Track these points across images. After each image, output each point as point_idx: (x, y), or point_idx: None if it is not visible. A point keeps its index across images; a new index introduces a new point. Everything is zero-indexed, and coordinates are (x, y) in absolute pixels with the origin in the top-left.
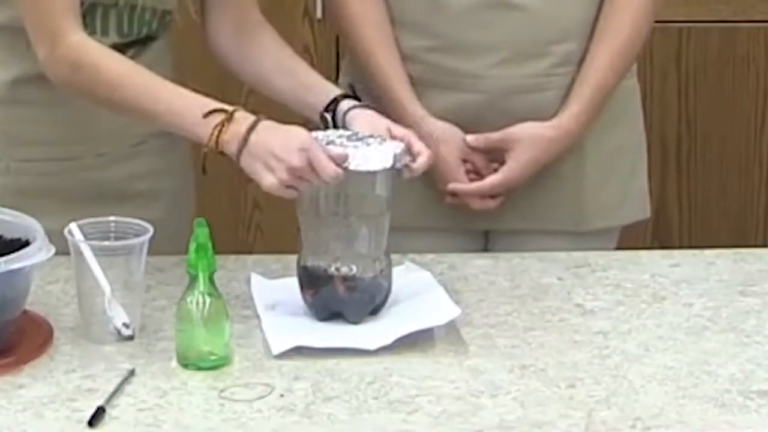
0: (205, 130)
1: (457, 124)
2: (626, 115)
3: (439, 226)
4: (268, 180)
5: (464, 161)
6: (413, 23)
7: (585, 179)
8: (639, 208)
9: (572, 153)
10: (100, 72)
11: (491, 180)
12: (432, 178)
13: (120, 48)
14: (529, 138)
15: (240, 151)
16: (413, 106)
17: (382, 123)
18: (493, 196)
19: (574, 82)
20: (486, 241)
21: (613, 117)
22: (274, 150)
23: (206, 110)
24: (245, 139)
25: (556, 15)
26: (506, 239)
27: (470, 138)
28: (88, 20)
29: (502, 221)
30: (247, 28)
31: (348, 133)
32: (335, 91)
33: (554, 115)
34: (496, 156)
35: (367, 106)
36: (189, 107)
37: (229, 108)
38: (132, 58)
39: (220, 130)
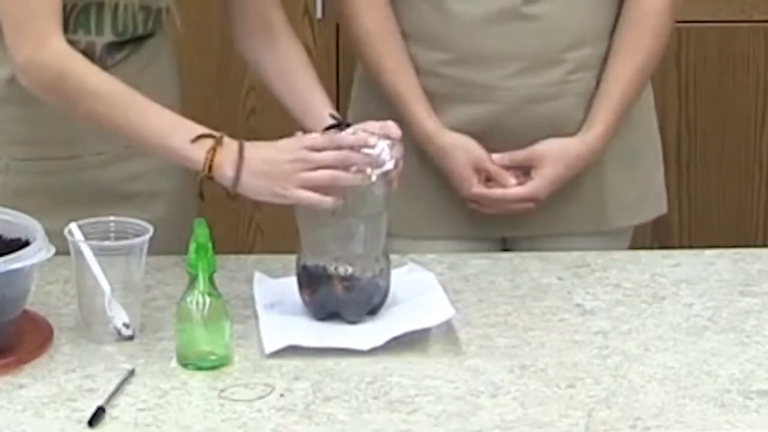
0: (196, 154)
1: (475, 136)
2: (643, 116)
3: (457, 234)
4: (292, 192)
5: (478, 172)
6: (427, 37)
7: (606, 179)
8: (658, 204)
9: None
10: (87, 84)
11: (516, 191)
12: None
13: (116, 46)
14: (556, 155)
15: (237, 177)
16: (425, 121)
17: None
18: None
19: (592, 90)
20: (504, 248)
21: (631, 118)
22: (278, 164)
23: (194, 134)
24: (238, 166)
25: (569, 23)
26: (525, 245)
27: (496, 157)
28: (83, 19)
29: (522, 228)
30: (267, 31)
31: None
32: (326, 109)
33: (572, 122)
34: (519, 172)
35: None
36: (178, 128)
37: (216, 133)
38: (129, 55)
39: (213, 155)
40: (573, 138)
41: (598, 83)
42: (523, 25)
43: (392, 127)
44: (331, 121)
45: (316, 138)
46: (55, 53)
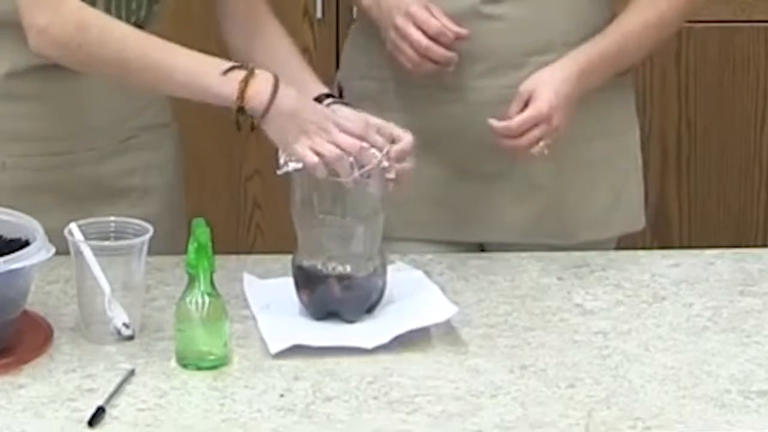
0: (229, 87)
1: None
2: (615, 127)
3: (433, 238)
4: (302, 147)
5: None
6: None
7: (567, 193)
8: (630, 219)
9: (553, 166)
10: (109, 30)
11: (519, 118)
12: (426, 180)
13: None
14: (542, 81)
15: (267, 109)
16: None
17: (360, 118)
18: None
19: None
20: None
21: (597, 129)
22: (307, 116)
23: (225, 67)
24: (271, 99)
25: (537, 26)
26: (502, 252)
27: (495, 124)
28: None
29: (492, 234)
30: (255, 23)
31: None
32: (320, 90)
33: None
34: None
35: (347, 104)
36: (208, 63)
37: (248, 65)
38: None
39: (246, 85)
40: (556, 63)
41: None
42: (485, 25)
43: (401, 133)
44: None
45: (350, 121)
46: (74, 7)
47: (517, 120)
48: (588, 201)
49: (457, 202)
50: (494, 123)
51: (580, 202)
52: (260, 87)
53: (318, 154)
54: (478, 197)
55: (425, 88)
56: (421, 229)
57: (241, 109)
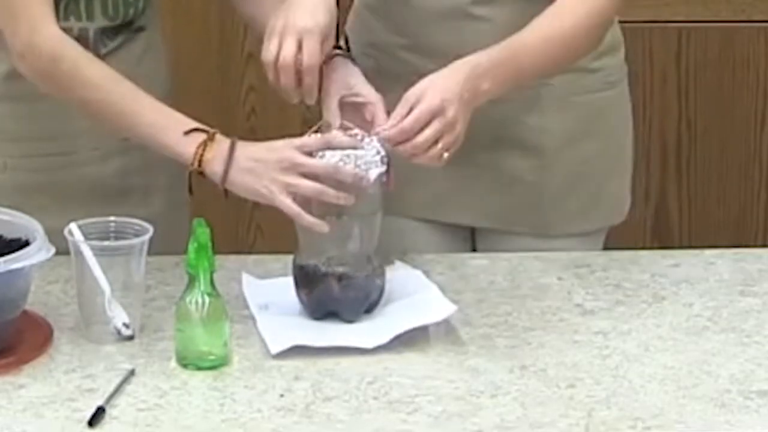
0: (187, 148)
1: None
2: (599, 129)
3: (416, 216)
4: (275, 195)
5: None
6: (388, 19)
7: (546, 189)
8: (609, 214)
9: (536, 163)
10: (80, 68)
11: (411, 116)
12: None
13: (109, 33)
14: (430, 84)
15: (226, 172)
16: None
17: (353, 81)
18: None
19: (540, 97)
20: (473, 239)
21: (580, 130)
22: (269, 159)
23: (187, 128)
24: (228, 163)
25: (518, 29)
26: (490, 238)
27: (385, 133)
28: (73, 6)
29: (475, 219)
30: None
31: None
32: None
33: (520, 126)
34: None
35: (351, 57)
36: (171, 120)
37: (209, 129)
38: (121, 45)
39: (204, 149)
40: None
41: (547, 90)
42: (472, 25)
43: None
44: (336, 51)
45: (306, 139)
46: (49, 37)
47: (410, 118)
48: (567, 197)
49: (441, 185)
50: (384, 132)
51: (559, 198)
52: (217, 153)
53: (294, 195)
54: (461, 183)
55: (412, 74)
56: (402, 204)
57: (200, 173)
